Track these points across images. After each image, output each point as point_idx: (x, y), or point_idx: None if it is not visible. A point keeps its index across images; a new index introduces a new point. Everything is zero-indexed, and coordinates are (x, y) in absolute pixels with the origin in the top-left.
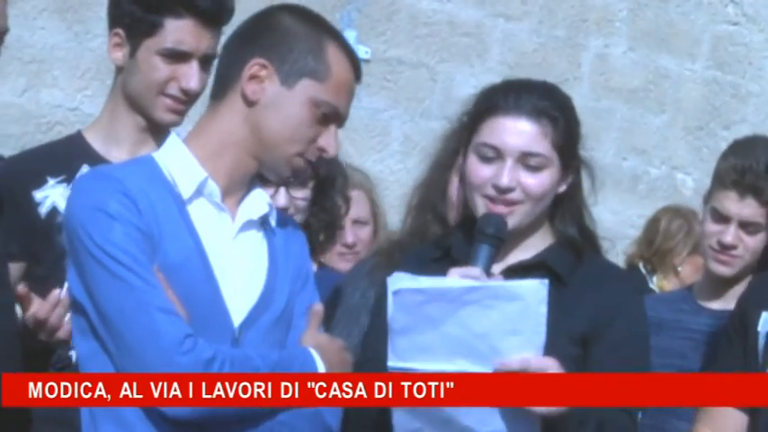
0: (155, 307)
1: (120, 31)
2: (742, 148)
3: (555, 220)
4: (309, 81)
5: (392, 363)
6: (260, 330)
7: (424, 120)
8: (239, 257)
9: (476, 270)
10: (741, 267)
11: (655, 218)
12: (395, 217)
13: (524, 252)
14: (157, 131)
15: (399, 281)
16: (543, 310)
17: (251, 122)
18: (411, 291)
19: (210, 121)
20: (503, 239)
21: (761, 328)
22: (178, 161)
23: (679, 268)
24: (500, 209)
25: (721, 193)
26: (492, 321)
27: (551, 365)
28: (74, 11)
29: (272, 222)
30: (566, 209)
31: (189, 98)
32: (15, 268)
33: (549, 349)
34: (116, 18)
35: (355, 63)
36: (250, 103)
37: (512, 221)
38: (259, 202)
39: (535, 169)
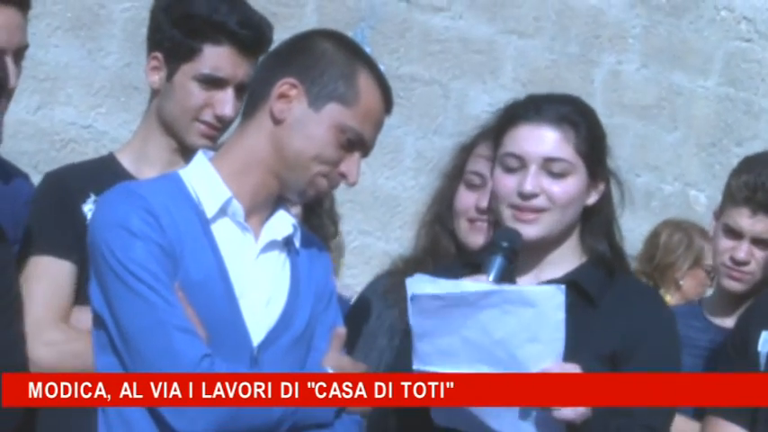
0: (173, 326)
1: (158, 54)
2: (754, 165)
3: (585, 235)
4: (337, 105)
5: (417, 366)
6: (279, 351)
7: (437, 137)
8: (261, 277)
9: (484, 277)
10: (753, 283)
11: (655, 232)
12: (408, 233)
13: (555, 267)
14: (189, 154)
15: (417, 283)
16: (561, 316)
17: (275, 141)
18: (428, 296)
19: (238, 139)
20: (517, 252)
21: (761, 347)
22: (203, 179)
23: (681, 282)
24: (526, 216)
25: (733, 210)
26: (510, 328)
27: (575, 371)
28: (87, 28)
29: (297, 243)
30: (595, 222)
31: (223, 125)
32: (68, 269)
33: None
34: (155, 42)
35: (387, 94)
36: (277, 121)
37: (538, 230)
38: (283, 222)
39: (559, 175)
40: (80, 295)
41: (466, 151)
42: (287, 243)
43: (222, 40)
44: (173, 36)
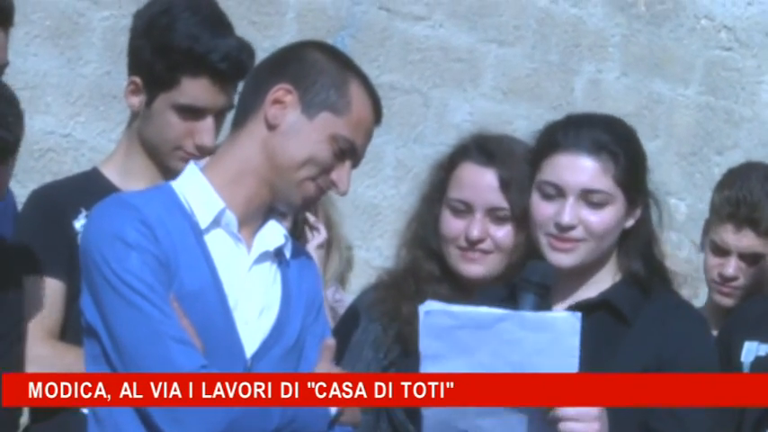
0: (169, 337)
1: (137, 79)
2: (736, 179)
3: (621, 255)
4: (329, 114)
5: None
6: (272, 361)
7: (417, 145)
8: (254, 288)
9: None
10: (744, 297)
11: None
12: (388, 242)
13: (590, 289)
14: (173, 173)
15: (431, 306)
16: (576, 342)
17: (268, 147)
18: (442, 312)
19: (229, 148)
20: (548, 288)
21: (744, 358)
22: (196, 190)
23: None
24: (563, 246)
25: (719, 227)
26: (524, 351)
27: (592, 411)
28: (66, 37)
29: (287, 254)
30: (631, 244)
31: (203, 153)
32: (58, 287)
33: None
34: (136, 66)
35: (376, 105)
36: (270, 126)
37: (573, 259)
38: (275, 233)
39: (597, 206)
40: (69, 315)
41: (444, 170)
42: (277, 254)
43: (200, 72)
44: (152, 64)
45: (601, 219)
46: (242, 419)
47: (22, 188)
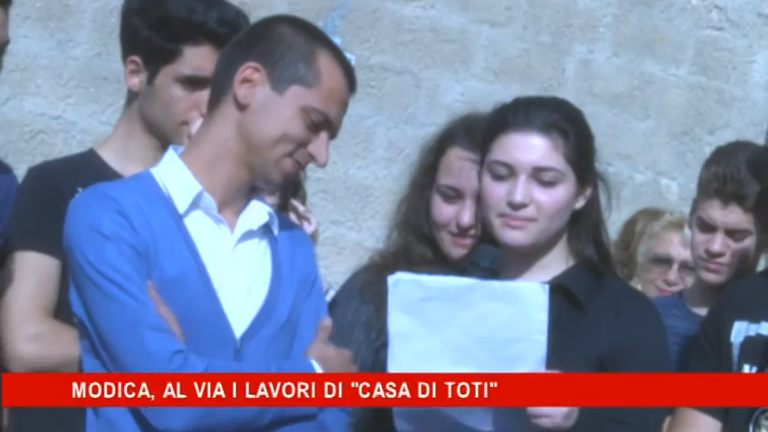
0: (145, 325)
1: (136, 58)
2: (723, 156)
3: (572, 238)
4: (299, 87)
5: (392, 370)
6: (262, 341)
7: (408, 126)
8: (239, 268)
9: None
10: (730, 274)
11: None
12: (380, 223)
13: (543, 271)
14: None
15: (400, 276)
16: (543, 317)
17: (241, 128)
18: (410, 282)
19: (205, 132)
20: (496, 272)
21: (733, 338)
22: (174, 176)
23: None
24: (516, 224)
25: (705, 203)
26: (492, 328)
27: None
28: (56, 19)
29: (275, 230)
30: (582, 225)
31: None
32: (53, 265)
33: (562, 369)
34: (132, 45)
35: (349, 73)
36: (241, 107)
37: (526, 237)
38: (258, 211)
39: (549, 184)
40: (63, 291)
41: (434, 154)
42: (266, 232)
43: (202, 39)
44: (151, 39)
45: (552, 197)
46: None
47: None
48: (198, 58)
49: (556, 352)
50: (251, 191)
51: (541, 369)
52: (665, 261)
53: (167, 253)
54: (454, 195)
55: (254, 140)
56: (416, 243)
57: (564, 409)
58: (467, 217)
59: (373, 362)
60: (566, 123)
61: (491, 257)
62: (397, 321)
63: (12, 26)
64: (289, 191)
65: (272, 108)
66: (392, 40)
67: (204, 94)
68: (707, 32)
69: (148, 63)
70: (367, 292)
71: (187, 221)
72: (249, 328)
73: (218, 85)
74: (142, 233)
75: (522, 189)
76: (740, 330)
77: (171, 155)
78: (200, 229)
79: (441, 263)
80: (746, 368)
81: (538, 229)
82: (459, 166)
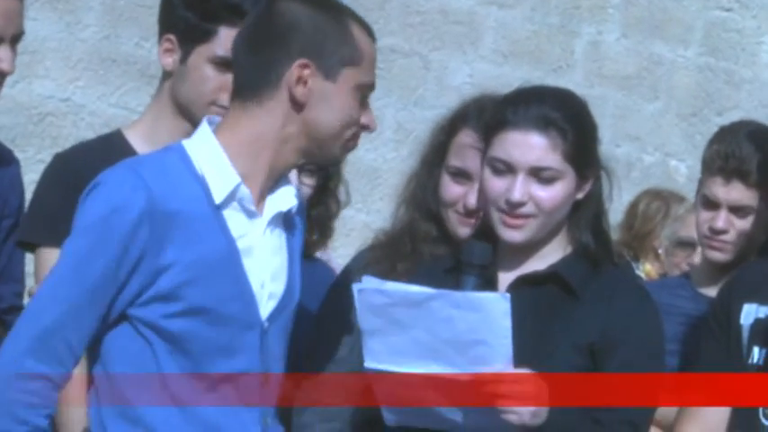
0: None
1: (171, 36)
2: (726, 134)
3: (571, 227)
4: (349, 69)
5: (368, 364)
6: (283, 322)
7: (417, 108)
8: (267, 250)
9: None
10: (735, 252)
11: (634, 201)
12: (389, 205)
13: (539, 261)
14: None
15: (366, 283)
16: (507, 323)
17: (303, 124)
18: (374, 291)
19: (244, 120)
20: (488, 267)
21: (743, 320)
22: (211, 160)
23: (660, 250)
24: (513, 222)
25: (709, 180)
26: (457, 330)
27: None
28: (65, 1)
29: (293, 210)
30: (581, 215)
31: None
32: None
33: (551, 357)
34: (168, 24)
35: (370, 30)
36: (299, 106)
37: (524, 235)
38: (287, 195)
39: (547, 182)
40: None
41: (445, 134)
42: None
43: (237, 21)
44: (187, 18)
45: (550, 194)
46: None
47: (21, 153)
48: (232, 40)
49: (546, 337)
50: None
51: (510, 368)
52: (690, 244)
53: (203, 237)
54: (462, 177)
55: (320, 134)
56: (422, 220)
57: (531, 407)
58: (473, 199)
59: None
60: (565, 122)
61: (481, 254)
62: (366, 320)
63: None
64: (327, 173)
65: (329, 98)
66: (401, 22)
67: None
68: (716, 13)
69: (183, 42)
70: (370, 270)
71: (222, 208)
72: (274, 310)
73: (251, 81)
74: (161, 227)
75: (519, 187)
76: (750, 312)
77: (206, 131)
78: (233, 216)
79: (445, 241)
80: (756, 350)
81: (536, 225)
82: (469, 148)
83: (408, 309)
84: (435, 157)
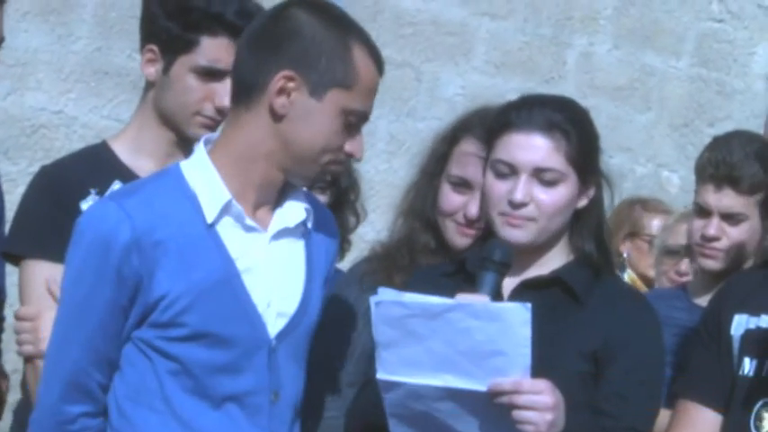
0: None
1: (153, 47)
2: (718, 143)
3: (574, 235)
4: (338, 90)
5: (381, 376)
6: (297, 339)
7: (409, 119)
8: (274, 267)
9: (484, 297)
10: (728, 261)
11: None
12: (381, 217)
13: (542, 267)
14: (186, 144)
15: (383, 295)
16: (527, 332)
17: (280, 136)
18: (392, 303)
19: (236, 130)
20: (509, 266)
21: (734, 331)
22: (202, 179)
23: (624, 255)
24: (515, 223)
25: (701, 188)
26: (475, 340)
27: (544, 388)
28: (57, 13)
29: (309, 224)
30: (584, 224)
31: (223, 116)
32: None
33: (556, 364)
34: (151, 34)
35: (378, 59)
36: (278, 117)
37: (525, 236)
38: (295, 209)
39: (549, 184)
40: None
41: (446, 144)
42: (301, 227)
43: (219, 31)
44: (169, 28)
45: (552, 197)
46: None
47: (13, 165)
48: (215, 50)
49: (551, 344)
50: (288, 184)
51: (527, 378)
52: (677, 252)
53: (197, 261)
54: (463, 186)
55: (295, 150)
56: (421, 231)
57: (548, 417)
58: (474, 209)
59: (373, 350)
60: (568, 124)
61: (503, 251)
62: (382, 332)
63: (12, 21)
64: (340, 188)
65: (311, 115)
66: (393, 33)
67: (218, 86)
68: (707, 24)
69: (165, 52)
70: (367, 281)
71: (218, 226)
72: (285, 327)
73: (245, 83)
74: (152, 255)
75: (522, 188)
76: (740, 323)
77: (201, 152)
78: (230, 233)
79: (443, 252)
80: (747, 361)
81: (537, 228)
82: (470, 157)
83: (426, 320)
84: (436, 167)
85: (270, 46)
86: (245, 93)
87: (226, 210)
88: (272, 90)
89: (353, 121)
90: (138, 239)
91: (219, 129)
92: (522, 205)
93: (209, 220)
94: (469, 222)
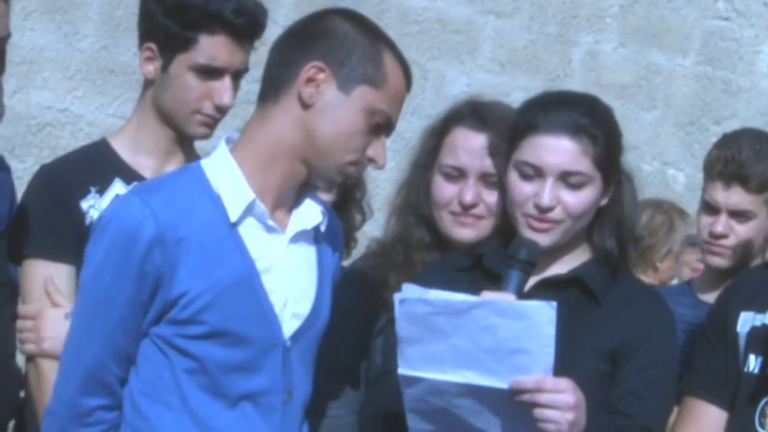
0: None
1: (152, 45)
2: (727, 140)
3: (594, 233)
4: (367, 88)
5: (402, 371)
6: (309, 341)
7: (415, 118)
8: (291, 269)
9: (509, 296)
10: (735, 258)
11: None
12: (387, 214)
13: (562, 266)
14: (186, 142)
15: (408, 292)
16: (551, 331)
17: (304, 126)
18: (416, 300)
19: (261, 125)
20: (534, 264)
21: (740, 328)
22: (226, 178)
23: (658, 264)
24: (541, 226)
25: (709, 185)
26: (499, 338)
27: (566, 387)
28: (63, 11)
29: (322, 229)
30: (605, 222)
31: (222, 114)
32: (64, 272)
33: (574, 363)
34: (148, 32)
35: (407, 73)
36: (305, 106)
37: (551, 239)
38: (312, 210)
39: (576, 187)
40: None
41: (436, 136)
42: (314, 231)
43: (218, 29)
44: (167, 26)
45: (579, 200)
46: None
47: (20, 163)
48: (213, 48)
49: (569, 342)
50: (304, 185)
51: (549, 377)
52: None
53: (219, 259)
54: (456, 175)
55: (317, 141)
56: (415, 226)
57: (570, 417)
58: (470, 195)
59: (369, 348)
60: (595, 127)
61: (529, 249)
62: (405, 327)
63: (18, 19)
64: (346, 186)
65: (337, 109)
66: (399, 32)
67: (218, 84)
68: (713, 22)
69: (164, 50)
70: (364, 278)
71: (239, 226)
72: (299, 329)
73: (274, 79)
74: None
75: (549, 192)
76: (746, 320)
77: (222, 149)
78: (251, 233)
79: (439, 247)
80: (752, 358)
81: (562, 230)
82: (463, 144)
83: (450, 317)
84: (427, 160)
85: (302, 42)
86: (273, 88)
87: (249, 210)
88: (302, 79)
89: (378, 123)
90: (162, 235)
91: (234, 129)
92: (549, 209)
93: (233, 219)
94: (465, 209)
